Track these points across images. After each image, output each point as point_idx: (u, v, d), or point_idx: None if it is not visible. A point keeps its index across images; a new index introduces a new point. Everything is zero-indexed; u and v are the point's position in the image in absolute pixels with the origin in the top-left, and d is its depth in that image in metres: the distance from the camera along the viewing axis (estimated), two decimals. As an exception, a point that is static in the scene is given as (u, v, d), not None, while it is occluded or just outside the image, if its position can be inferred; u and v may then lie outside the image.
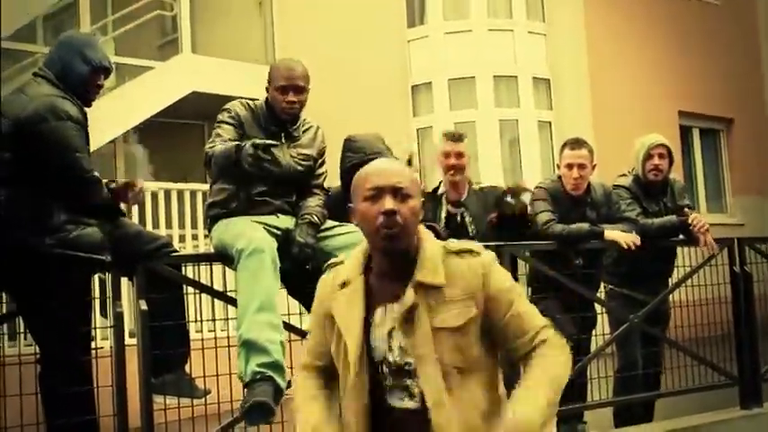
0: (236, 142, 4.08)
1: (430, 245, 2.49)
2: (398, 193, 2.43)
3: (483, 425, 2.42)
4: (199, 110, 10.71)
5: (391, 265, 2.47)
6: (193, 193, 8.39)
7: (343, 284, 2.51)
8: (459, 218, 5.32)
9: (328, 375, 2.62)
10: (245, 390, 3.86)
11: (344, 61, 10.14)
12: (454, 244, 2.52)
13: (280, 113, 4.30)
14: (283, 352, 3.89)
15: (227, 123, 4.25)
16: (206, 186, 8.67)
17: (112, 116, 8.89)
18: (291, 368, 4.34)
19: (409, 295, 2.41)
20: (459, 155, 5.35)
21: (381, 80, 10.83)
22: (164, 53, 11.18)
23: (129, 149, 11.08)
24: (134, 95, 9.27)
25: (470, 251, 2.49)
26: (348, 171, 4.35)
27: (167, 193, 8.24)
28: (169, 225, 8.11)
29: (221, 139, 4.18)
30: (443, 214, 5.32)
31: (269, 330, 3.84)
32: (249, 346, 3.83)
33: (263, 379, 3.81)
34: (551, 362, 2.43)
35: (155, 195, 8.06)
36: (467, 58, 11.30)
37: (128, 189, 4.04)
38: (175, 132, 11.44)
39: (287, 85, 4.25)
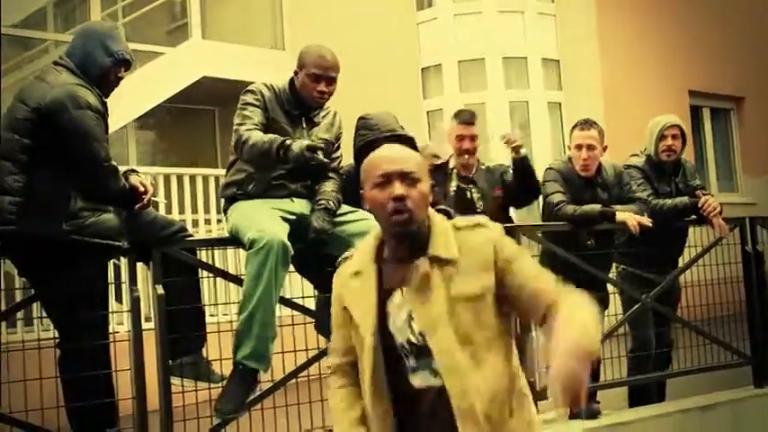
0: (280, 138, 4.08)
1: (440, 223, 2.54)
2: (407, 177, 2.47)
3: (504, 394, 2.45)
4: (209, 95, 10.74)
5: (404, 249, 2.51)
6: (205, 178, 8.43)
7: (356, 274, 2.55)
8: (469, 193, 5.36)
9: (353, 373, 2.64)
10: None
11: (354, 44, 10.12)
12: (462, 220, 2.57)
13: (308, 100, 4.31)
14: (272, 343, 4.01)
15: (254, 105, 4.25)
16: (217, 171, 8.75)
17: (123, 102, 8.91)
18: (306, 350, 4.46)
19: (423, 264, 2.44)
20: (473, 138, 5.41)
21: (391, 63, 10.82)
22: (173, 38, 11.19)
23: (140, 135, 11.12)
24: (145, 81, 9.29)
25: (479, 224, 2.54)
26: (363, 148, 4.36)
27: (179, 178, 8.28)
28: (182, 210, 8.15)
29: (252, 123, 4.18)
30: (452, 188, 5.35)
31: (259, 326, 3.93)
32: (241, 336, 3.95)
33: (242, 372, 3.98)
34: (577, 301, 2.41)
35: (167, 179, 8.10)
36: (476, 40, 11.27)
37: (138, 194, 4.00)
38: (186, 117, 11.47)
39: (320, 74, 4.26)
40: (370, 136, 4.32)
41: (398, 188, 2.45)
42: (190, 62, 10.19)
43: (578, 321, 2.29)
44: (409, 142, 4.47)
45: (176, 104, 10.43)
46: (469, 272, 2.45)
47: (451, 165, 5.45)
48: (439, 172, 5.16)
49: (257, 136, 4.13)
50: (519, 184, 5.35)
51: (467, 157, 5.40)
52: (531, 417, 2.55)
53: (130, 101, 9.06)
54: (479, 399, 2.39)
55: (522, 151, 5.33)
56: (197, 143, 11.66)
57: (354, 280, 2.55)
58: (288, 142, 4.06)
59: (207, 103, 11.31)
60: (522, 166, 5.32)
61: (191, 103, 10.87)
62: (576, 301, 2.41)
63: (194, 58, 10.24)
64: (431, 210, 2.56)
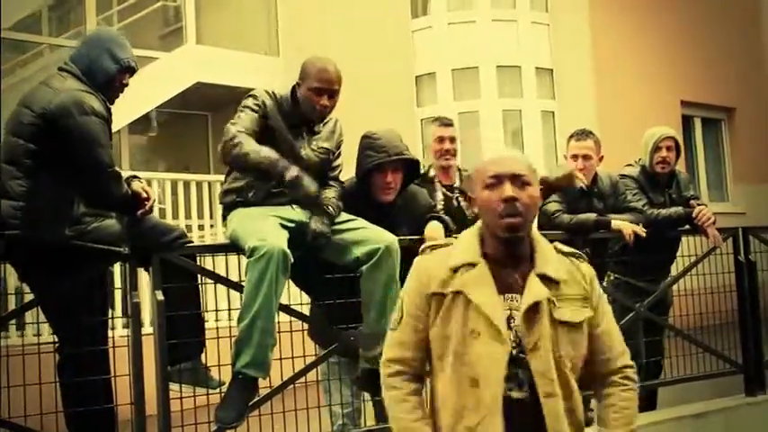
0: (282, 164, 4.08)
1: (541, 239, 2.59)
2: (518, 180, 2.50)
3: (580, 421, 2.53)
4: (203, 100, 10.77)
5: (508, 253, 2.53)
6: (199, 184, 8.43)
7: (465, 265, 2.52)
8: (456, 202, 5.39)
9: (418, 368, 2.62)
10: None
11: (348, 52, 10.15)
12: (562, 246, 2.64)
13: (309, 114, 4.29)
14: (271, 351, 4.01)
15: (252, 110, 4.21)
16: (210, 177, 8.76)
17: (118, 107, 8.90)
18: (304, 356, 4.48)
19: (537, 287, 2.46)
20: (453, 139, 5.48)
21: (385, 70, 10.85)
22: (166, 43, 11.21)
23: (133, 140, 11.12)
24: (139, 86, 9.29)
25: (578, 256, 2.63)
26: (371, 170, 4.40)
27: (174, 183, 8.28)
28: (175, 215, 8.16)
29: (243, 125, 4.13)
30: (439, 197, 5.38)
31: (259, 334, 3.93)
32: (241, 345, 3.95)
33: (242, 380, 3.98)
34: (631, 398, 2.62)
35: (161, 185, 8.10)
36: (470, 49, 11.31)
37: (140, 200, 4.03)
38: (180, 123, 11.49)
39: (322, 88, 4.25)
40: (378, 159, 4.36)
41: (509, 189, 2.48)
42: (184, 67, 10.22)
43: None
44: (416, 165, 4.55)
45: (170, 109, 10.45)
46: (572, 298, 2.51)
47: (431, 174, 5.48)
48: (422, 182, 5.14)
49: (251, 145, 4.08)
50: None
51: (447, 158, 5.44)
52: None
53: (124, 106, 9.07)
54: (567, 424, 2.45)
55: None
56: (190, 148, 11.68)
57: (468, 271, 2.51)
58: (285, 170, 4.06)
59: (200, 109, 11.34)
60: None
61: (184, 108, 10.90)
62: (631, 396, 2.62)
63: (189, 64, 10.27)
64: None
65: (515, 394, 2.45)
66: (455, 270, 2.52)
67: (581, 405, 2.53)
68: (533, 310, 2.44)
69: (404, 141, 4.52)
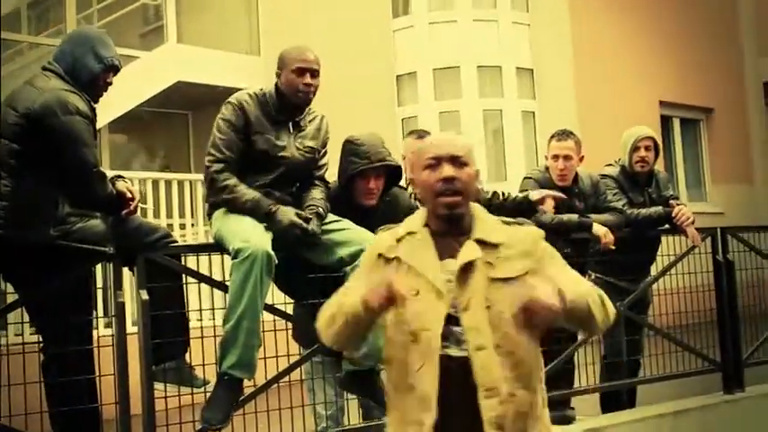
0: (266, 204, 4.10)
1: (483, 212, 2.69)
2: (456, 161, 2.61)
3: (532, 377, 2.56)
4: (184, 99, 10.74)
5: (448, 228, 2.62)
6: (180, 183, 8.40)
7: (407, 234, 2.64)
8: None
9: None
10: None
11: (329, 51, 10.09)
12: (509, 219, 2.74)
13: (293, 96, 4.27)
14: (257, 351, 4.04)
15: (229, 126, 4.20)
16: (192, 176, 8.74)
17: (98, 106, 8.88)
18: (288, 355, 4.50)
19: (470, 248, 2.56)
20: None
21: (366, 70, 10.87)
22: (146, 42, 11.18)
23: (114, 139, 11.08)
24: (120, 85, 9.25)
25: (521, 223, 2.74)
26: (354, 177, 4.42)
27: (155, 182, 8.24)
28: (156, 214, 8.13)
29: (224, 159, 4.16)
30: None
31: (245, 335, 3.95)
32: (226, 346, 3.97)
33: (228, 381, 3.99)
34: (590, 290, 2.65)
35: (143, 183, 8.07)
36: (451, 49, 11.37)
37: (125, 200, 4.04)
38: (161, 122, 11.45)
39: (304, 67, 4.26)
40: (361, 166, 4.38)
41: (448, 170, 2.58)
42: (165, 66, 10.19)
43: (580, 291, 2.57)
44: (397, 171, 4.57)
45: (151, 108, 10.41)
46: (512, 257, 2.58)
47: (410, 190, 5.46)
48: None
49: (237, 190, 4.12)
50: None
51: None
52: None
53: (105, 105, 9.03)
54: (503, 377, 2.48)
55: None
56: (171, 147, 11.65)
57: (407, 238, 2.64)
58: (273, 210, 4.08)
59: (181, 108, 11.31)
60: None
61: (165, 107, 10.86)
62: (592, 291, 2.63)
63: (169, 63, 10.25)
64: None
65: (453, 352, 2.51)
66: (399, 240, 2.65)
67: (533, 360, 2.57)
68: (466, 270, 2.53)
69: (385, 143, 4.53)
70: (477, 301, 2.51)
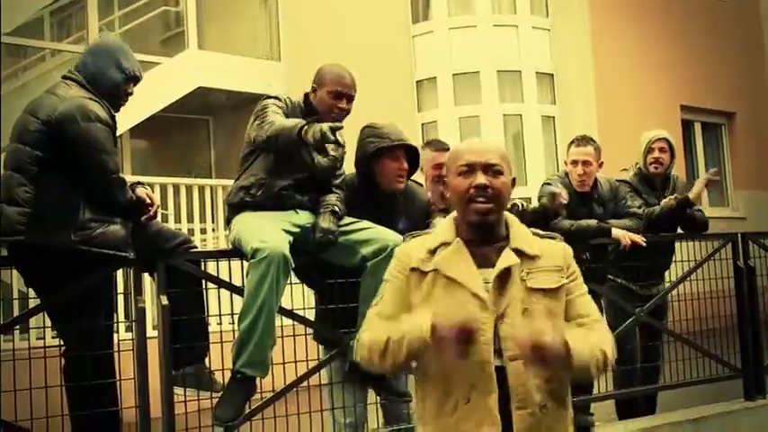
0: (302, 122, 4.04)
1: (517, 222, 2.66)
2: (490, 169, 2.57)
3: (563, 390, 2.56)
4: (204, 105, 10.79)
5: (479, 235, 2.59)
6: (201, 188, 8.45)
7: (441, 245, 2.59)
8: None
9: None
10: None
11: (349, 56, 10.12)
12: (538, 231, 2.71)
13: (326, 117, 4.24)
14: (272, 350, 4.07)
15: (277, 107, 4.23)
16: (212, 181, 8.78)
17: (119, 112, 8.94)
18: (307, 360, 4.51)
19: (508, 256, 2.53)
20: None
21: (386, 75, 10.89)
22: (167, 47, 11.24)
23: (135, 145, 11.15)
24: (141, 91, 9.33)
25: (554, 237, 2.70)
26: (373, 155, 4.42)
27: (176, 187, 8.30)
28: (177, 219, 8.18)
29: (274, 113, 4.17)
30: (435, 221, 5.30)
31: (259, 334, 3.97)
32: (241, 345, 4.00)
33: (241, 380, 4.02)
34: (596, 331, 2.61)
35: (163, 189, 8.12)
36: (471, 54, 11.37)
37: (145, 205, 4.07)
38: (181, 127, 11.51)
39: (342, 92, 4.31)
40: (382, 143, 4.38)
41: (480, 177, 2.55)
42: (186, 72, 10.24)
43: (584, 337, 2.49)
44: (415, 152, 4.56)
45: (171, 114, 10.47)
46: (548, 269, 2.57)
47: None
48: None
49: (281, 120, 4.12)
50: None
51: (444, 186, 5.25)
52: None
53: (126, 110, 9.09)
54: (536, 388, 2.47)
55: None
56: (191, 153, 11.70)
57: (443, 250, 2.58)
58: (306, 124, 4.01)
59: (202, 113, 11.36)
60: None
61: (186, 112, 10.92)
62: (595, 331, 2.60)
63: (190, 69, 10.29)
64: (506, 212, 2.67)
65: (495, 362, 2.48)
66: (433, 251, 2.59)
67: (562, 377, 2.54)
68: (503, 277, 2.51)
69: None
70: (513, 310, 2.49)
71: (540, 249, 2.59)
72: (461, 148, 2.68)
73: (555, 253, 2.62)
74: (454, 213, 2.69)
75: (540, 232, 2.70)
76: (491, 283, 2.51)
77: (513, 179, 2.66)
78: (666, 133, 5.91)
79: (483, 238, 2.59)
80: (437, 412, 2.54)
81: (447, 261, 2.56)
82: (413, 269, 2.60)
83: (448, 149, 5.25)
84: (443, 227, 2.68)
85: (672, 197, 5.74)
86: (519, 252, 2.55)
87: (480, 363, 2.46)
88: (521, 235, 2.61)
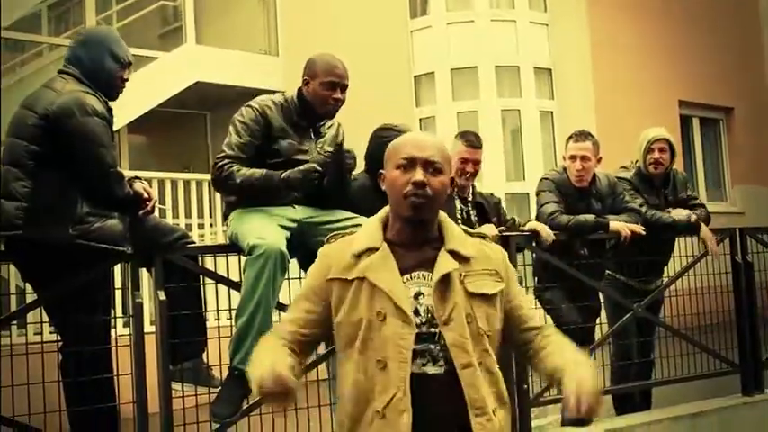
0: (278, 174, 4.13)
1: (450, 222, 2.60)
2: (430, 166, 2.50)
3: (504, 394, 2.53)
4: (203, 100, 10.79)
5: (413, 234, 2.53)
6: (199, 183, 8.44)
7: (366, 251, 2.51)
8: (465, 214, 5.35)
9: (302, 348, 2.61)
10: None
11: (347, 51, 10.07)
12: (468, 229, 2.66)
13: (320, 108, 4.29)
14: None
15: (246, 127, 4.23)
16: (209, 176, 8.75)
17: (117, 106, 8.92)
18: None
19: (447, 261, 2.47)
20: (477, 162, 5.28)
21: (384, 70, 10.87)
22: (165, 43, 11.24)
23: (132, 139, 11.14)
24: (139, 86, 9.33)
25: (485, 237, 2.64)
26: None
27: (173, 182, 8.28)
28: (175, 215, 8.17)
29: (232, 149, 4.19)
30: (458, 210, 5.30)
31: (257, 331, 3.93)
32: (238, 341, 4.00)
33: (238, 376, 3.99)
34: (568, 342, 2.60)
35: (161, 184, 8.11)
36: (469, 49, 11.35)
37: (142, 200, 4.07)
38: (179, 122, 11.50)
39: (335, 82, 4.29)
40: (395, 136, 4.36)
41: (419, 174, 2.48)
42: (183, 67, 10.24)
43: (582, 363, 2.50)
44: None
45: (169, 108, 10.46)
46: (483, 273, 2.52)
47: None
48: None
49: (244, 172, 4.13)
50: None
51: (467, 178, 5.27)
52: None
53: (123, 105, 9.08)
54: (487, 393, 2.44)
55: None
56: (189, 147, 11.70)
57: (369, 256, 2.50)
58: (284, 174, 4.12)
59: (200, 108, 11.36)
60: None
61: (183, 107, 10.91)
62: (564, 340, 2.60)
63: (188, 63, 10.30)
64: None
65: (430, 370, 2.43)
66: (358, 256, 2.51)
67: (501, 379, 2.52)
68: (444, 282, 2.45)
69: None
70: (458, 317, 2.43)
71: (474, 250, 2.54)
72: (403, 140, 2.59)
73: (489, 255, 2.57)
74: (380, 214, 2.62)
75: (471, 231, 2.65)
76: (432, 288, 2.45)
77: (452, 179, 2.60)
78: (666, 133, 5.86)
79: (415, 237, 2.53)
80: (351, 427, 2.48)
81: (373, 269, 2.47)
82: (333, 280, 2.52)
83: (480, 147, 5.27)
84: (368, 229, 2.59)
85: (684, 215, 5.72)
86: (454, 254, 2.50)
87: (399, 376, 2.39)
88: (455, 235, 2.55)
